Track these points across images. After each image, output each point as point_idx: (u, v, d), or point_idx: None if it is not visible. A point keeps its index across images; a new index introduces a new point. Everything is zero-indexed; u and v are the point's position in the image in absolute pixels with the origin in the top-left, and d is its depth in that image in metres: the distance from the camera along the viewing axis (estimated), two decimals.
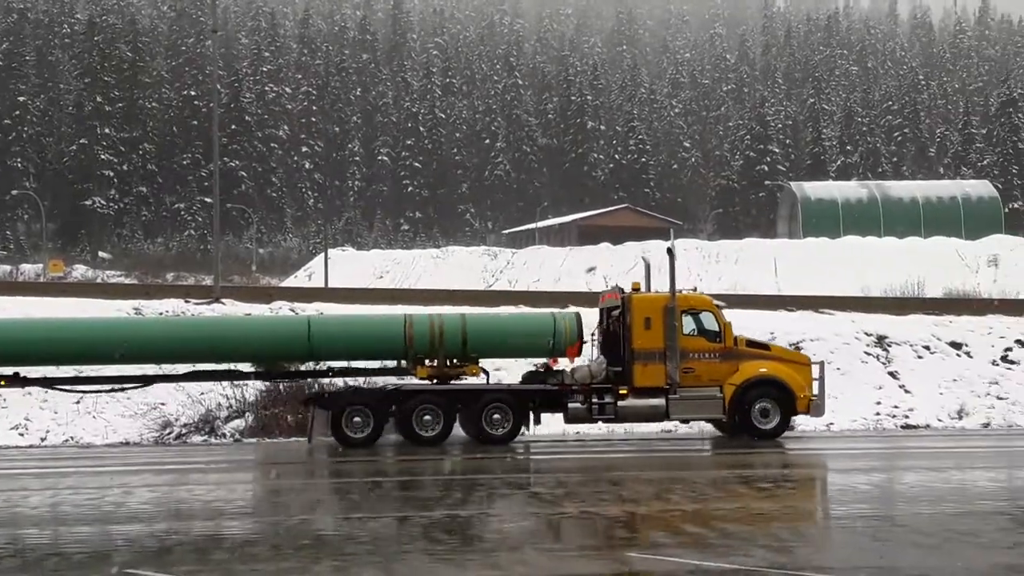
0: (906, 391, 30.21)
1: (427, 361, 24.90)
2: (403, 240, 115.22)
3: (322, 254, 74.99)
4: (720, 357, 24.95)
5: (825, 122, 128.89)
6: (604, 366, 24.93)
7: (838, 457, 23.27)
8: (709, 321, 25.21)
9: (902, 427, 28.70)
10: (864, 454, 23.94)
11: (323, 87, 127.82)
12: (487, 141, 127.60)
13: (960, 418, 29.48)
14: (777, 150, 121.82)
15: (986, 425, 29.04)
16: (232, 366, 25.34)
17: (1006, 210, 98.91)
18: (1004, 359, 31.80)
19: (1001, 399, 30.27)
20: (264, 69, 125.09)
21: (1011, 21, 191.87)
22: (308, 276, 79.17)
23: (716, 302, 26.28)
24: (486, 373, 25.45)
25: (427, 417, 24.19)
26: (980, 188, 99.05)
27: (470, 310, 28.92)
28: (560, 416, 24.98)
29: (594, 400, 24.57)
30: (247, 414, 27.16)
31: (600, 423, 25.43)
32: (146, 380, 25.39)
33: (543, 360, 25.81)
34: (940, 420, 29.36)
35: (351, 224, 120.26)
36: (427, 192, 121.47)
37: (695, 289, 26.63)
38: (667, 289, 25.32)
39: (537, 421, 24.97)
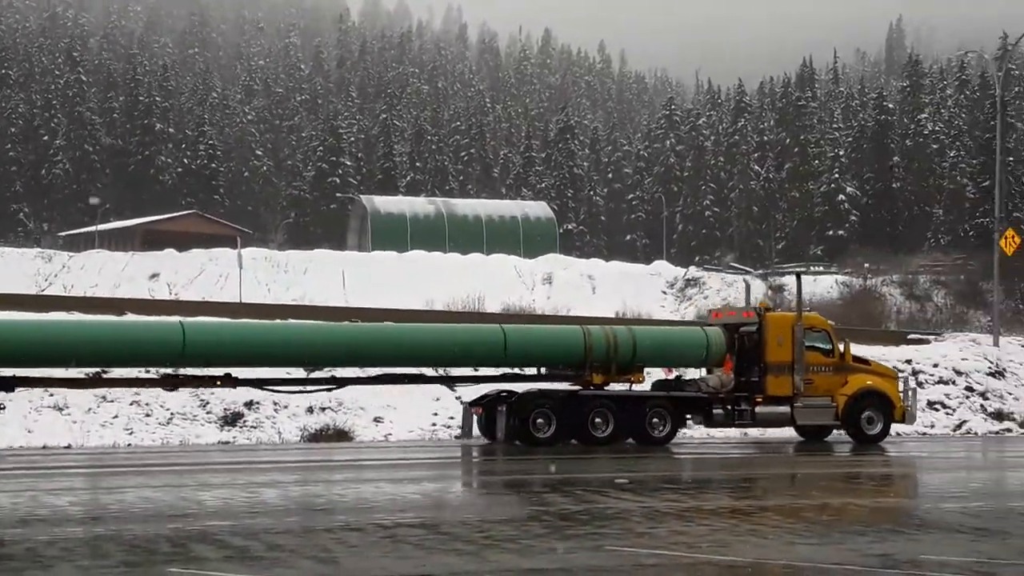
0: None
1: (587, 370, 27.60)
2: None
3: None
4: (833, 370, 28.87)
5: (396, 138, 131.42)
6: (732, 377, 28.23)
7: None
8: (824, 339, 29.10)
9: None
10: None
11: None
12: (45, 138, 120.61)
13: None
14: (349, 163, 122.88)
15: None
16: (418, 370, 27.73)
17: (561, 231, 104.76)
18: None
19: None
20: None
21: (571, 51, 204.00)
22: None
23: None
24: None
25: (598, 419, 26.94)
26: (538, 209, 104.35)
27: (625, 327, 30.45)
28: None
29: (735, 407, 28.00)
30: None
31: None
32: (340, 382, 27.08)
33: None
34: None
35: None
36: None
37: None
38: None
39: (683, 425, 28.58)
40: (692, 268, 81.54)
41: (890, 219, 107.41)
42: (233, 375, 25.40)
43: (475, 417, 27.66)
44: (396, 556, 12.22)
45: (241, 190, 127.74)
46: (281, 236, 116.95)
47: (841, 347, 29.27)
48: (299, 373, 27.96)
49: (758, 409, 28.06)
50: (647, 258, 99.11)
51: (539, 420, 26.57)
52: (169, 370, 25.53)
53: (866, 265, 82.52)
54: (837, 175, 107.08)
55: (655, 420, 27.39)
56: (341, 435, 28.88)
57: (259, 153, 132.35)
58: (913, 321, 66.77)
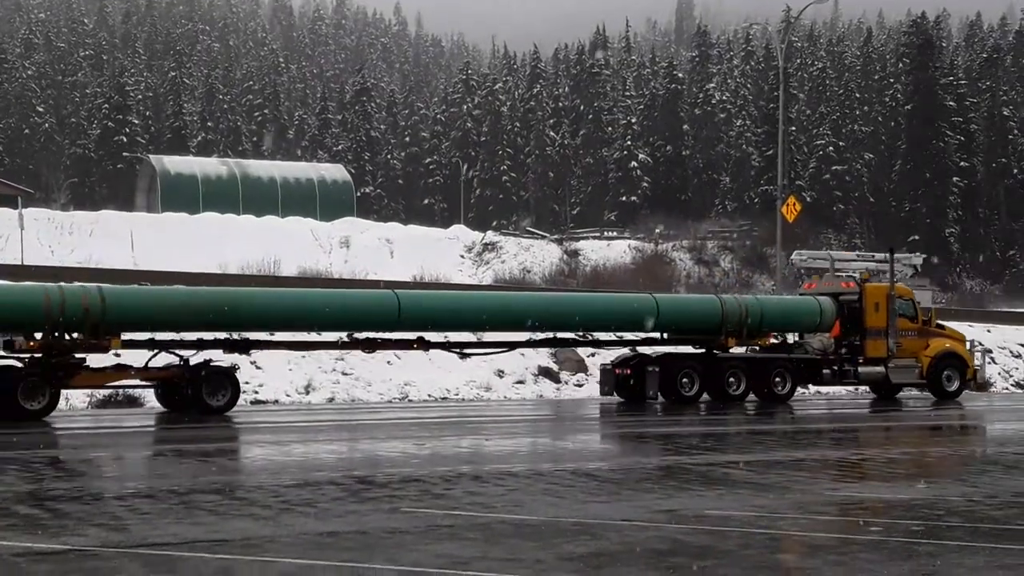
0: (257, 367, 30.73)
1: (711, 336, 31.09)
2: None
3: None
4: (917, 334, 33.05)
5: (187, 97, 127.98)
6: (833, 340, 32.19)
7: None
8: (909, 307, 33.21)
9: (251, 403, 29.21)
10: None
11: None
12: None
13: (308, 393, 30.56)
14: (137, 121, 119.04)
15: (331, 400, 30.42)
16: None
17: (358, 194, 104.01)
18: None
19: (346, 375, 31.71)
20: None
21: (366, 13, 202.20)
22: None
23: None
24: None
25: (732, 379, 30.47)
26: (335, 172, 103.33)
27: (752, 296, 34.97)
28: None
29: (840, 367, 31.99)
30: None
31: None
32: (511, 345, 30.32)
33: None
34: (288, 396, 30.22)
35: None
36: None
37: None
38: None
39: (803, 384, 32.63)
40: (490, 233, 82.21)
41: (680, 186, 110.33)
42: (426, 338, 28.04)
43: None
44: (187, 522, 11.99)
45: (21, 147, 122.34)
46: (65, 196, 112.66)
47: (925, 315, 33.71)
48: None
49: (860, 369, 32.17)
50: (445, 223, 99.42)
51: (684, 380, 30.02)
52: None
53: (657, 231, 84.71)
54: (629, 142, 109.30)
55: (778, 380, 30.99)
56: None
57: (40, 110, 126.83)
58: (702, 285, 68.95)
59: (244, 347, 27.02)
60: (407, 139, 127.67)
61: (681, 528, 11.88)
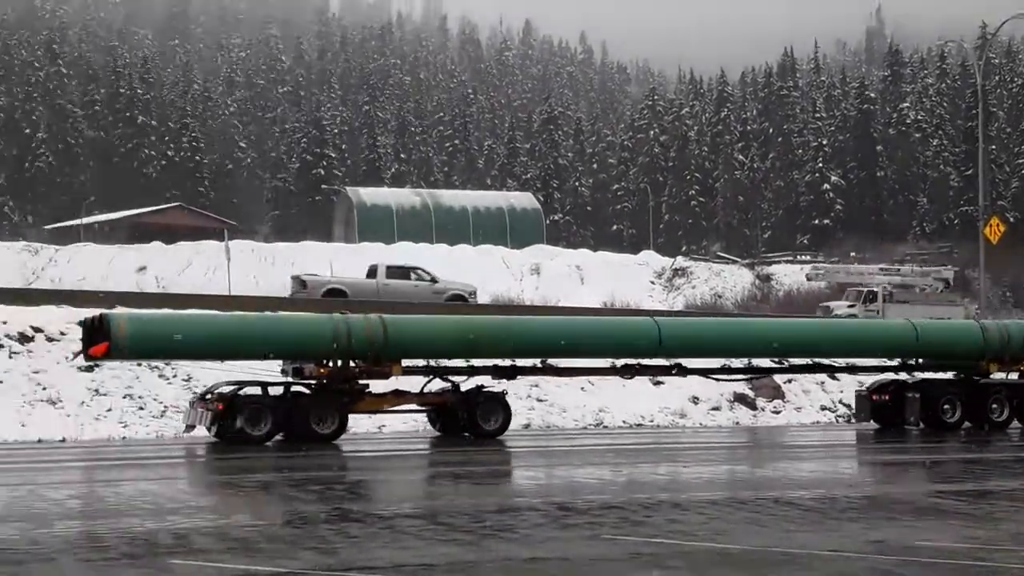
0: None
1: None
2: None
3: None
4: None
5: (380, 130, 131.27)
6: None
7: None
8: None
9: None
10: None
11: None
12: (27, 131, 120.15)
13: None
14: (334, 155, 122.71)
15: None
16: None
17: (547, 221, 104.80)
18: None
19: (541, 401, 31.86)
20: None
21: (552, 42, 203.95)
22: None
23: None
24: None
25: (995, 405, 30.03)
26: (524, 200, 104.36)
27: (1011, 321, 34.14)
28: None
29: None
30: None
31: None
32: (766, 371, 31.48)
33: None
34: None
35: None
36: None
37: None
38: None
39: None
40: (679, 258, 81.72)
41: (875, 208, 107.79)
42: (682, 364, 28.22)
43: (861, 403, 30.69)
44: (394, 546, 12.26)
45: (225, 182, 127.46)
46: (267, 228, 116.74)
47: None
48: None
49: None
50: (634, 248, 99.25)
51: (946, 406, 29.62)
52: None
53: (852, 254, 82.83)
54: (821, 164, 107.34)
55: (994, 407, 30.01)
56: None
57: (242, 145, 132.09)
58: None
59: (511, 373, 27.40)
60: (594, 166, 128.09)
61: (891, 560, 11.60)
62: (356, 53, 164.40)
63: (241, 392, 24.62)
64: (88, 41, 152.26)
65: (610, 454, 24.52)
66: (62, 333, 29.71)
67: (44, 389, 27.79)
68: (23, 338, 29.27)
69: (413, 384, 26.77)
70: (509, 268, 69.97)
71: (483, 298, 55.60)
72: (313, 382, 25.26)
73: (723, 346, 29.17)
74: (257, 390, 24.87)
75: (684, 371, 28.58)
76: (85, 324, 24.35)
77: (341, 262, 68.45)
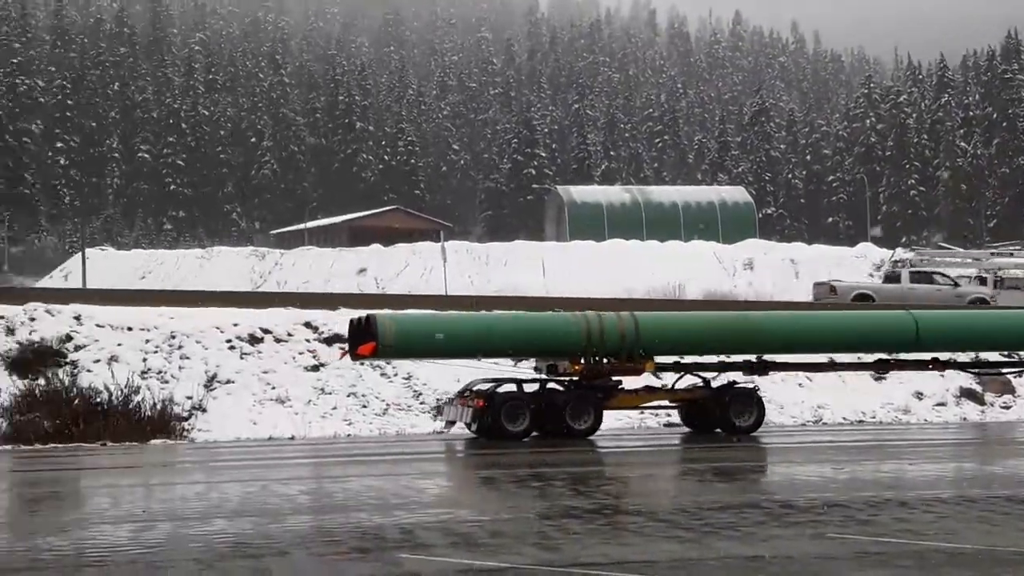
0: None
1: None
2: (166, 240, 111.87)
3: (79, 253, 72.16)
4: None
5: (589, 127, 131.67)
6: None
7: None
8: None
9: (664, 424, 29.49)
10: None
11: (78, 80, 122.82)
12: (253, 139, 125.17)
13: None
14: (544, 154, 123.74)
15: None
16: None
17: (760, 215, 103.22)
18: None
19: None
20: (14, 61, 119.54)
21: (762, 32, 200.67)
22: (64, 276, 76.06)
23: None
24: None
25: None
26: (736, 194, 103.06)
27: None
28: None
29: None
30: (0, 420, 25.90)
31: None
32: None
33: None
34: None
35: (110, 223, 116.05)
36: (191, 191, 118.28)
37: None
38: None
39: None
40: (899, 250, 79.12)
41: None
42: (940, 359, 27.59)
43: None
44: (615, 543, 12.31)
45: (439, 184, 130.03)
46: (480, 228, 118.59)
47: None
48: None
49: None
50: (850, 240, 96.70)
51: None
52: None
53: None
54: None
55: None
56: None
57: (456, 148, 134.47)
58: None
59: (762, 368, 27.28)
60: (808, 157, 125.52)
61: None
62: (565, 52, 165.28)
63: (499, 389, 25.29)
64: (309, 51, 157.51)
65: (831, 451, 24.02)
66: (289, 334, 30.88)
67: (273, 388, 28.93)
68: (253, 339, 30.52)
69: (664, 380, 27.08)
70: (721, 263, 69.10)
71: (695, 293, 55.22)
72: (567, 379, 25.76)
73: (987, 339, 28.21)
74: (512, 387, 25.50)
75: (942, 366, 27.80)
76: (351, 325, 25.52)
77: (552, 261, 69.07)
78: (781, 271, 67.31)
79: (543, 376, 26.15)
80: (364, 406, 28.92)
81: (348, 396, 29.12)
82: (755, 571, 10.85)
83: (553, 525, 13.48)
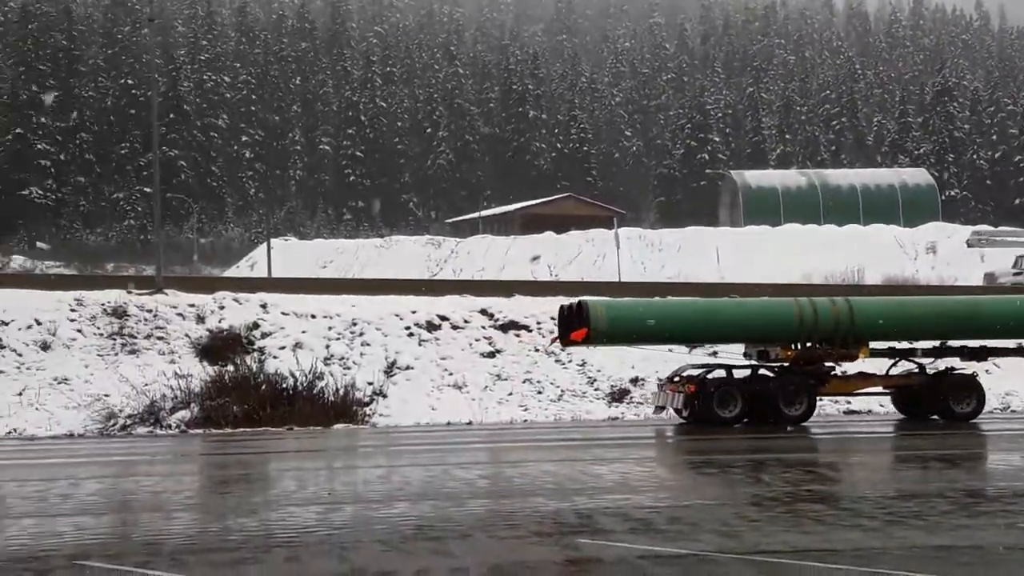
0: None
1: None
2: (346, 229, 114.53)
3: (264, 244, 74.41)
4: None
5: (764, 111, 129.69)
6: None
7: None
8: None
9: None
10: None
11: (262, 76, 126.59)
12: (429, 130, 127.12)
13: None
14: (717, 139, 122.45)
15: None
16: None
17: (943, 197, 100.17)
18: None
19: None
20: (202, 57, 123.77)
21: (945, 10, 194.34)
22: (250, 266, 78.56)
23: None
24: None
25: None
26: (917, 176, 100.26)
27: None
28: None
29: None
30: (192, 405, 26.88)
31: None
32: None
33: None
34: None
35: (293, 213, 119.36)
36: (369, 181, 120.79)
37: None
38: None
39: None
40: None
41: None
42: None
43: None
44: (796, 531, 12.18)
45: (612, 171, 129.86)
46: (653, 215, 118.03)
47: None
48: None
49: None
50: None
51: None
52: None
53: None
54: None
55: None
56: None
57: (628, 134, 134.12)
58: None
59: (982, 355, 26.84)
60: (994, 137, 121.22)
61: None
62: (739, 35, 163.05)
63: (710, 375, 25.36)
64: (482, 41, 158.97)
65: (1019, 438, 23.26)
66: (466, 321, 31.33)
67: (450, 374, 29.40)
68: (430, 326, 31.06)
69: (878, 366, 26.71)
70: (902, 247, 67.35)
71: (875, 278, 53.97)
72: (777, 365, 25.70)
73: None
74: (721, 373, 25.58)
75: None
76: (561, 311, 25.91)
77: (726, 246, 68.37)
78: (965, 255, 65.27)
79: (753, 362, 26.06)
80: (539, 392, 29.17)
81: (523, 382, 29.41)
82: (942, 561, 10.61)
83: (736, 512, 13.41)
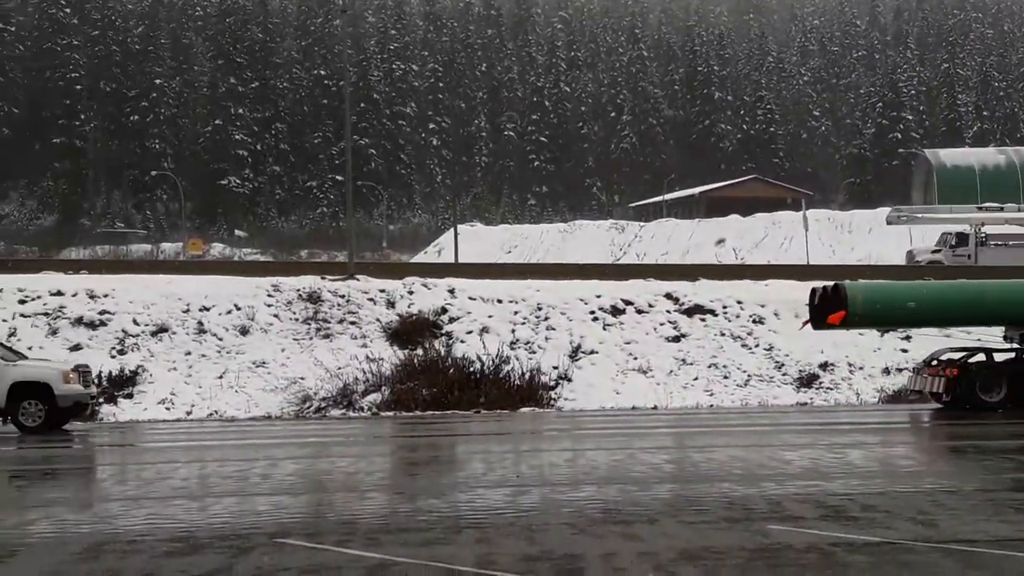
0: None
1: None
2: (530, 215, 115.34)
3: (451, 230, 75.47)
4: None
5: (960, 88, 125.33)
6: None
7: None
8: None
9: None
10: None
11: (449, 64, 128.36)
12: (612, 114, 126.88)
13: None
14: (910, 117, 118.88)
15: None
16: None
17: None
18: None
19: None
20: (391, 47, 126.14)
21: None
22: (438, 252, 79.80)
23: None
24: None
25: None
26: None
27: None
28: None
29: None
30: (383, 388, 27.50)
31: None
32: None
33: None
34: None
35: (478, 200, 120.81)
36: (553, 167, 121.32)
37: None
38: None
39: None
40: None
41: None
42: None
43: None
44: (995, 519, 11.81)
45: (799, 152, 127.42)
46: (842, 196, 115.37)
47: None
48: None
49: None
50: None
51: None
52: None
53: None
54: None
55: None
56: None
57: (816, 114, 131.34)
58: None
59: None
60: None
61: None
62: (934, 10, 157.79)
63: (972, 359, 24.87)
64: (667, 23, 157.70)
65: None
66: (650, 305, 31.25)
67: (635, 359, 29.36)
68: (615, 310, 31.08)
69: None
70: None
71: None
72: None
73: None
74: (981, 357, 25.03)
75: None
76: (813, 295, 25.68)
77: (919, 228, 66.25)
78: None
79: (1015, 345, 25.41)
80: (726, 377, 28.91)
81: (709, 367, 29.19)
82: None
83: (932, 501, 13.07)
